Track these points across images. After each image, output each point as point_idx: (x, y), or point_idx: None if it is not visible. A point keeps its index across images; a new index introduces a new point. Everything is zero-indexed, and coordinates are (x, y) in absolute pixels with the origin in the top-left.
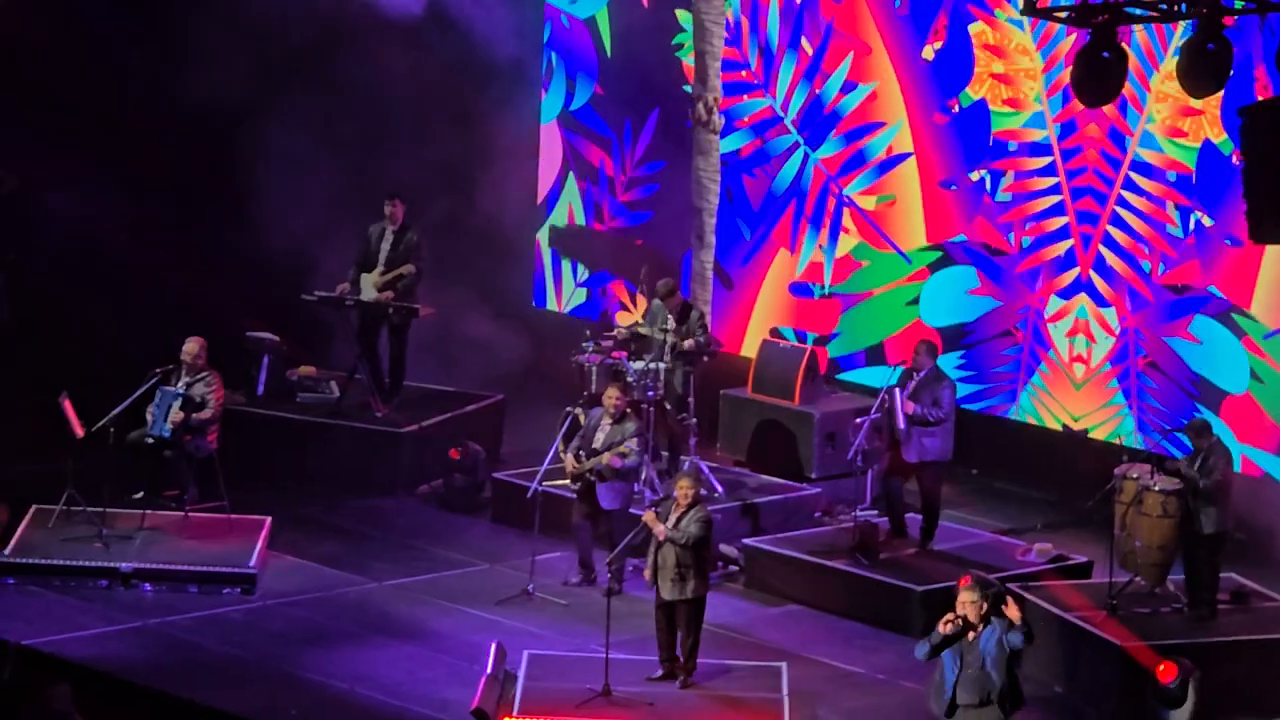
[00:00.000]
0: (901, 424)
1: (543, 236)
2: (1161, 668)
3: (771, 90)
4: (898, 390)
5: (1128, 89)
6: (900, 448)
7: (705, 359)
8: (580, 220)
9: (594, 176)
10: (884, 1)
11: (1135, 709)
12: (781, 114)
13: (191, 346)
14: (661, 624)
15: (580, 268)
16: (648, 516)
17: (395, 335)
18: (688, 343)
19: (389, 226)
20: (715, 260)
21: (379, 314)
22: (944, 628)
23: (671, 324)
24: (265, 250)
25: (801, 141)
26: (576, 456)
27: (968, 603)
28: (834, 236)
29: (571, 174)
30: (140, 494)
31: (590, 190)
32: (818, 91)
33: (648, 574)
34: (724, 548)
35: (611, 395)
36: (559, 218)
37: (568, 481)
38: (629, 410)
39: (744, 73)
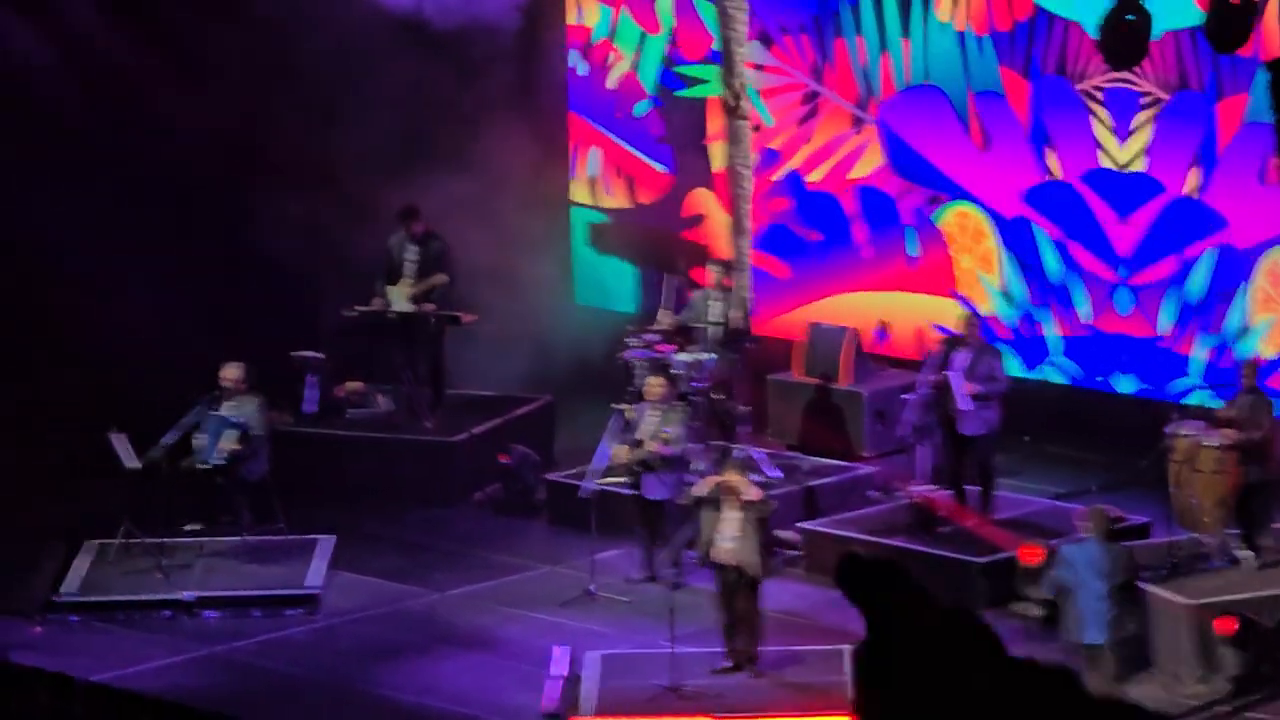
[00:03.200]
0: (966, 405)
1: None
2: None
3: None
4: (952, 374)
5: None
6: (955, 423)
7: (749, 345)
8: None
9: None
10: None
11: (1205, 663)
12: None
13: (231, 372)
14: (726, 609)
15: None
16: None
17: (432, 344)
18: (733, 314)
19: (408, 239)
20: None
21: (420, 325)
22: None
23: (718, 312)
24: (299, 267)
25: None
26: (629, 444)
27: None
28: None
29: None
30: (196, 526)
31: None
32: None
33: (699, 557)
34: (781, 533)
35: (654, 384)
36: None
37: (620, 477)
38: (678, 400)
39: None
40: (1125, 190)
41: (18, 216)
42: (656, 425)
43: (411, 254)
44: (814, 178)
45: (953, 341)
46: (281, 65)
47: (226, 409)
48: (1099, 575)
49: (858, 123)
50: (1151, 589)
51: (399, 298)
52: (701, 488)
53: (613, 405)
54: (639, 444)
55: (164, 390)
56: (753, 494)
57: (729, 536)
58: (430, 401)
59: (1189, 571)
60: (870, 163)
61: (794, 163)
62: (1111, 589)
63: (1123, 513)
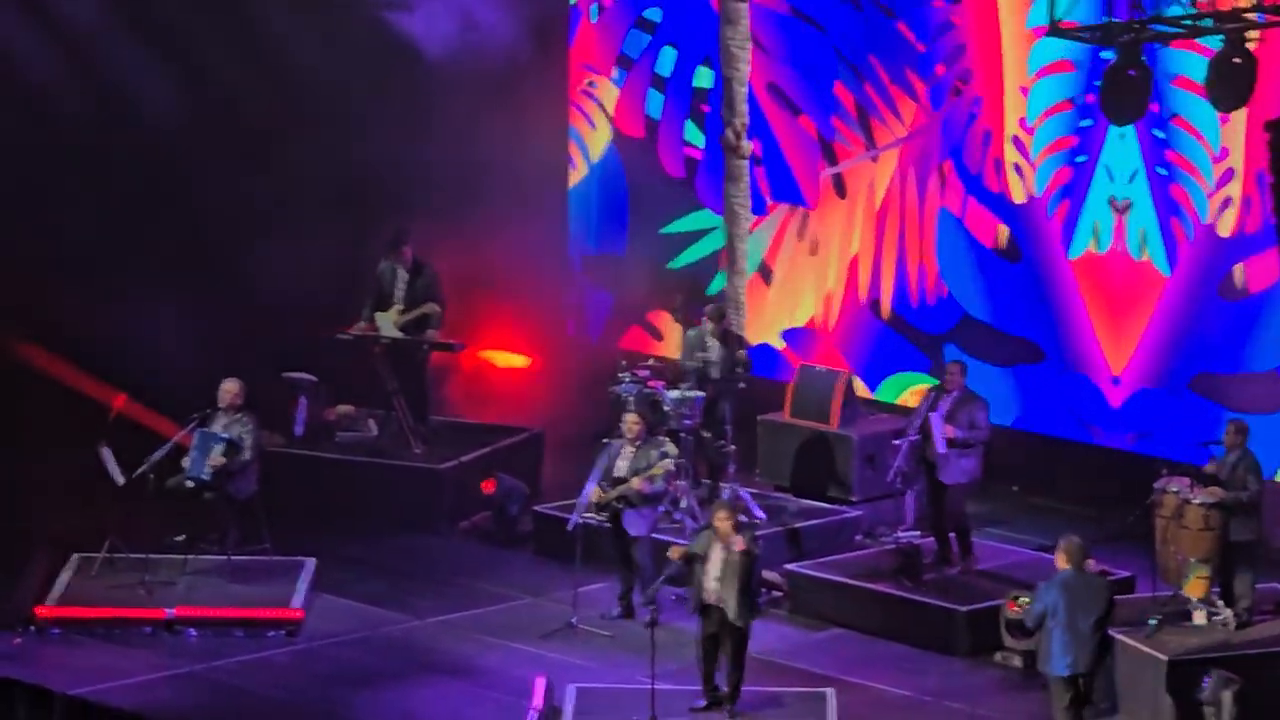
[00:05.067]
0: (942, 448)
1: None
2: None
3: None
4: (934, 415)
5: None
6: (935, 470)
7: (741, 385)
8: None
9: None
10: None
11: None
12: None
13: (230, 387)
14: (708, 651)
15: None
16: (674, 552)
17: (418, 371)
18: (739, 354)
19: (399, 266)
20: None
21: (410, 351)
22: None
23: (714, 351)
24: (293, 289)
25: None
26: (601, 487)
27: None
28: None
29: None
30: (182, 538)
31: None
32: None
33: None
34: (766, 573)
35: (630, 421)
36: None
37: (595, 513)
38: (659, 436)
39: None
40: None
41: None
42: (638, 462)
43: (402, 281)
44: None
45: (940, 388)
46: (291, 83)
47: (218, 425)
48: (1072, 606)
49: None
50: (1130, 642)
51: (387, 324)
52: (695, 544)
53: (603, 440)
54: (618, 481)
55: (158, 406)
56: (738, 545)
57: (714, 576)
58: (414, 427)
59: (1172, 627)
60: None
61: None
62: (1085, 619)
63: (1108, 567)
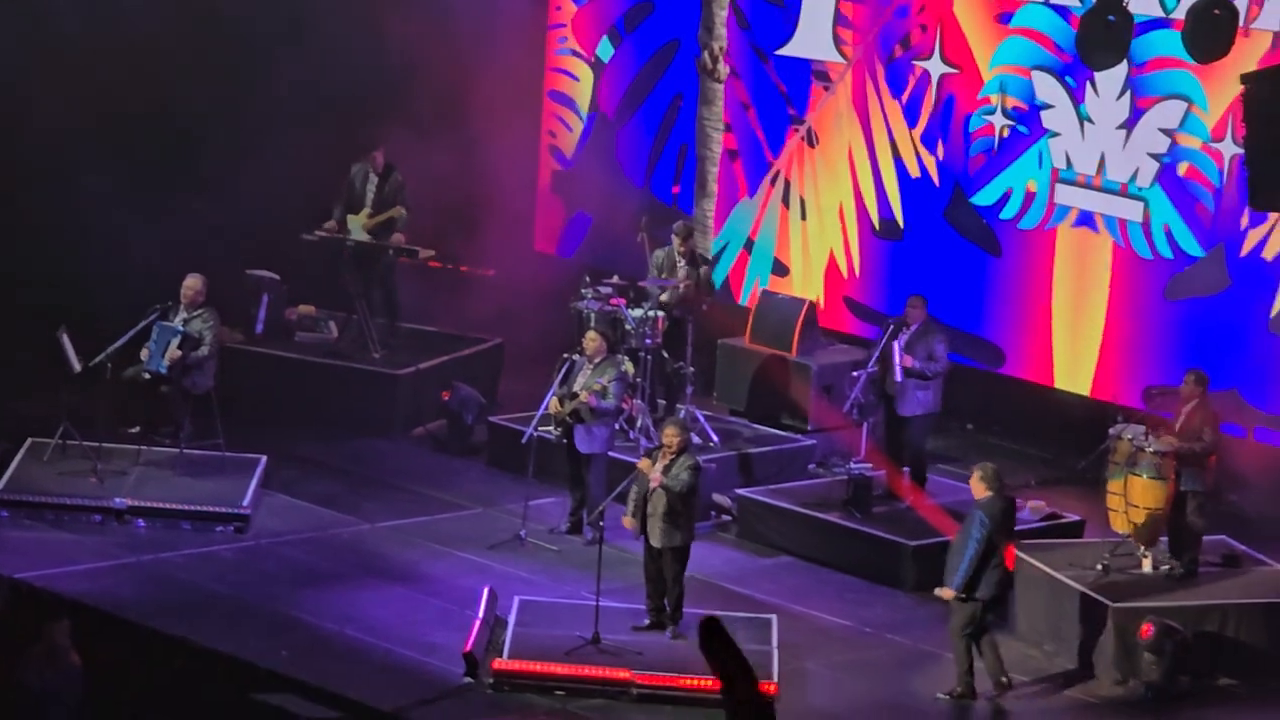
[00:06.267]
0: (899, 376)
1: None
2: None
3: None
4: (895, 344)
5: None
6: (894, 402)
7: (704, 307)
8: None
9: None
10: None
11: (1124, 666)
12: None
13: (192, 282)
14: (650, 572)
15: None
16: (643, 464)
17: (386, 275)
18: (703, 270)
19: (371, 170)
20: None
21: (375, 255)
22: None
23: (682, 271)
24: (265, 189)
25: None
26: (560, 400)
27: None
28: None
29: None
30: (136, 430)
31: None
32: None
33: (629, 521)
34: (717, 497)
35: (590, 338)
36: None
37: (550, 426)
38: (619, 354)
39: None
40: None
41: None
42: (589, 379)
43: (372, 184)
44: None
45: (901, 320)
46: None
47: (178, 320)
48: (976, 525)
49: None
50: (1076, 587)
51: (356, 227)
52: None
53: (563, 355)
54: (574, 395)
55: (120, 298)
56: (653, 482)
57: (655, 502)
58: (383, 330)
59: (1118, 573)
60: None
61: None
62: (982, 539)
63: (1057, 509)
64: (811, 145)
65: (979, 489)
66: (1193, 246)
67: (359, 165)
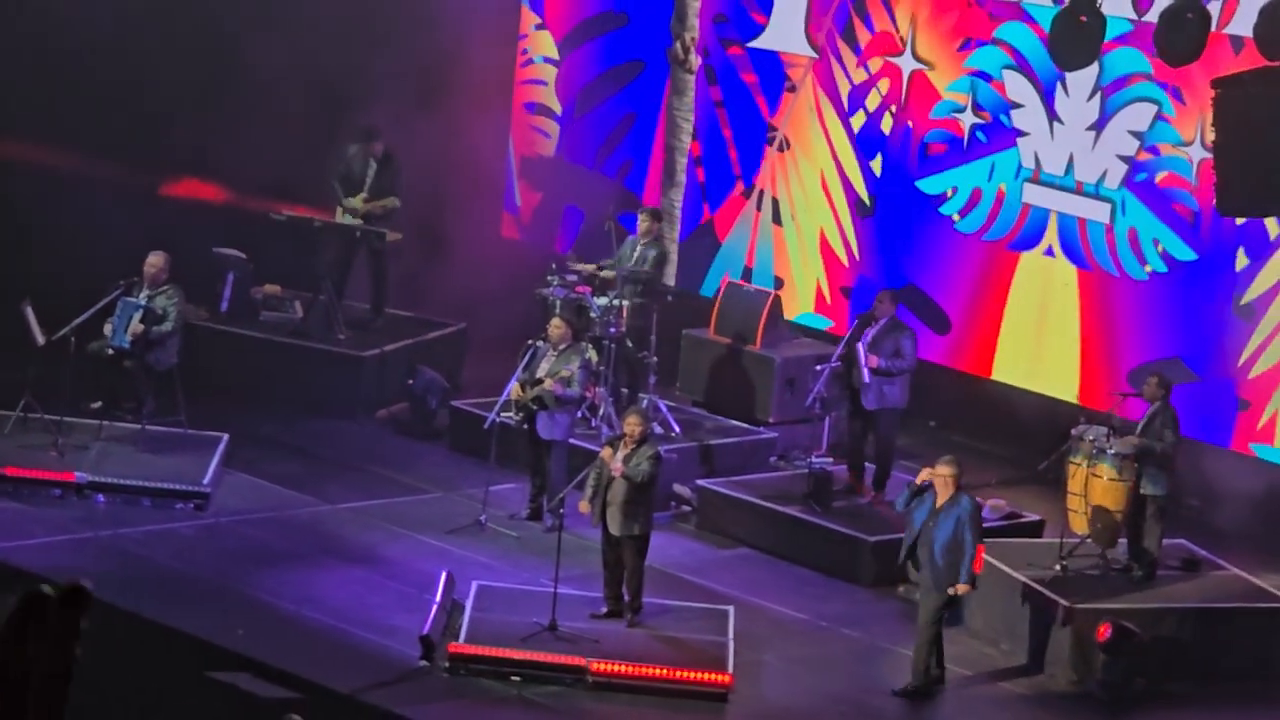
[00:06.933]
0: (866, 378)
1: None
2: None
3: None
4: (859, 344)
5: None
6: (859, 396)
7: (668, 298)
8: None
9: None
10: None
11: (1080, 667)
12: None
13: (155, 260)
14: (609, 560)
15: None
16: (605, 453)
17: (375, 259)
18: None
19: (370, 155)
20: None
21: (362, 238)
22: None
23: (639, 249)
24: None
25: None
26: (522, 386)
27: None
28: None
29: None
30: (98, 404)
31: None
32: None
33: (585, 506)
34: (677, 487)
35: (555, 325)
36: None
37: (512, 412)
38: (583, 342)
39: None
40: None
41: None
42: (555, 366)
43: (372, 171)
44: None
45: (867, 316)
46: None
47: (142, 296)
48: (969, 521)
49: None
50: (1035, 587)
51: (352, 209)
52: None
53: (528, 341)
54: (537, 382)
55: (85, 273)
56: (615, 471)
57: (614, 490)
58: (370, 313)
59: (1077, 574)
60: None
61: None
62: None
63: (1017, 508)
64: (781, 150)
65: (953, 484)
66: (1184, 253)
67: (356, 147)
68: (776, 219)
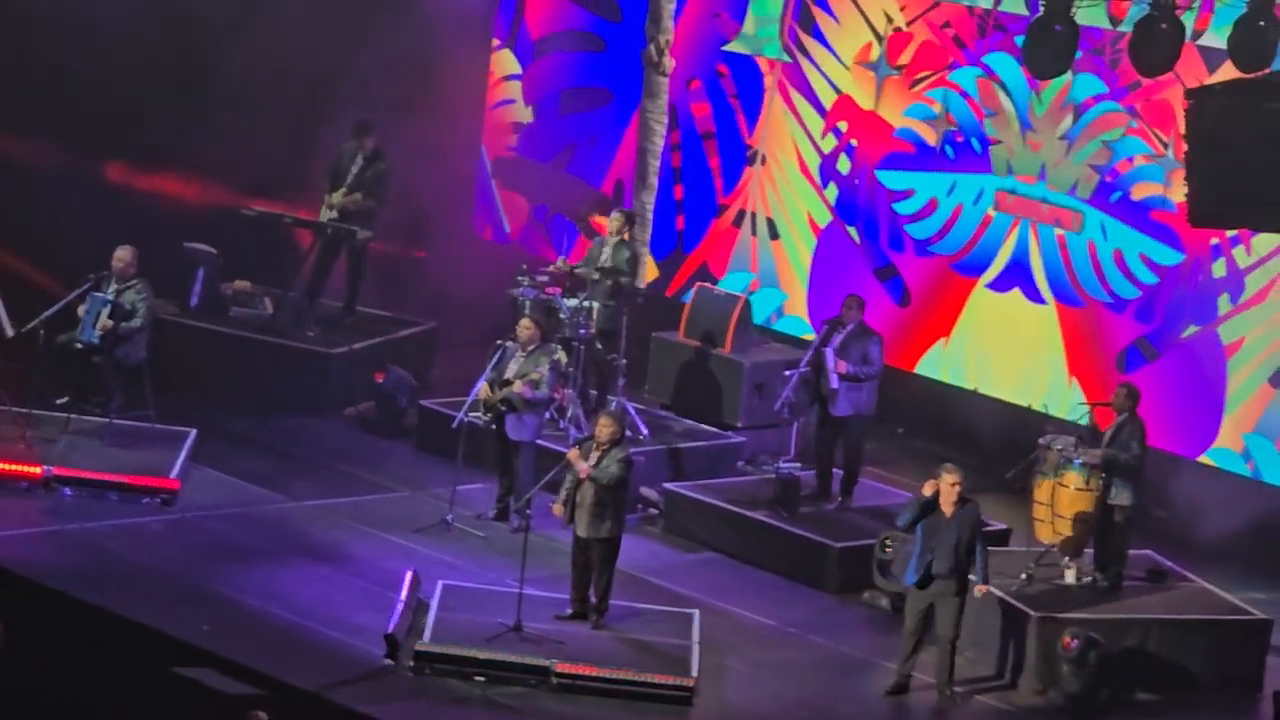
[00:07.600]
0: (834, 383)
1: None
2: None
3: None
4: (828, 350)
5: None
6: (827, 403)
7: (640, 300)
8: None
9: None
10: None
11: (1045, 677)
12: None
13: (123, 254)
14: (577, 562)
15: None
16: (572, 454)
17: (353, 257)
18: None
19: (359, 152)
20: None
21: (321, 233)
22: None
23: (609, 250)
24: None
25: None
26: (491, 386)
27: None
28: None
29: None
30: (66, 399)
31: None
32: None
33: (558, 508)
34: (645, 491)
35: (524, 326)
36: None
37: (480, 412)
38: (552, 343)
39: None
40: None
41: None
42: (524, 368)
43: (357, 166)
44: None
45: (835, 321)
46: None
47: (110, 291)
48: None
49: None
50: (1000, 595)
51: (331, 202)
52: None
53: (497, 341)
54: (506, 383)
55: (56, 266)
56: (581, 473)
57: (583, 492)
58: (342, 310)
59: (1043, 584)
60: None
61: None
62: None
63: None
64: (759, 165)
65: (959, 492)
66: (1171, 258)
67: (350, 144)
68: (775, 233)
